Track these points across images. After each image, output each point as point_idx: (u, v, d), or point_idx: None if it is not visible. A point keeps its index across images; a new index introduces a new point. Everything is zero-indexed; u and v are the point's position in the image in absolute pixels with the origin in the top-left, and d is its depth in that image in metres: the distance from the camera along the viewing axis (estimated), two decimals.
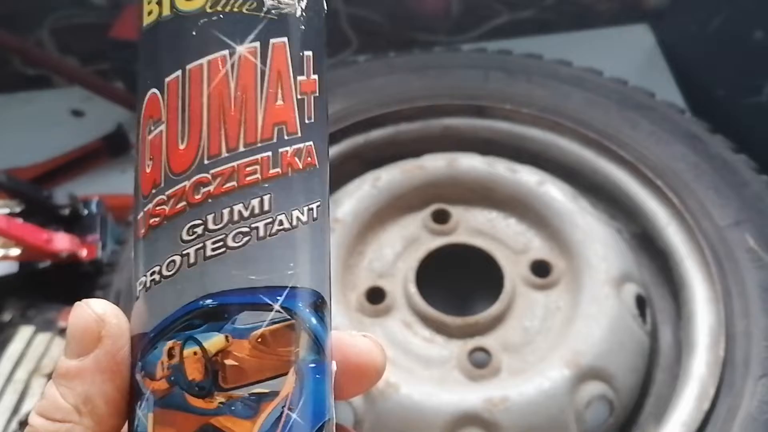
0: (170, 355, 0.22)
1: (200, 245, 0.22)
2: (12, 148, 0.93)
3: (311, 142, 0.24)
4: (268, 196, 0.23)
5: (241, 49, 0.23)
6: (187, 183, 0.23)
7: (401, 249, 0.76)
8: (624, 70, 0.87)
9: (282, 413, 0.22)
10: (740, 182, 0.75)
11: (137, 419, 0.23)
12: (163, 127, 0.23)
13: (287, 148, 0.23)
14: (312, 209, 0.24)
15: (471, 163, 0.79)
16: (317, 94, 0.24)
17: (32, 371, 0.65)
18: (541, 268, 0.73)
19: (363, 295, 0.71)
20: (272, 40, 0.23)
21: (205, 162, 0.23)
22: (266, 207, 0.23)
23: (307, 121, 0.24)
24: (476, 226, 0.78)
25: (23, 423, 0.62)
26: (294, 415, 0.22)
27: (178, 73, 0.23)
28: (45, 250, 0.72)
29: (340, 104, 0.82)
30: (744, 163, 0.77)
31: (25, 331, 0.69)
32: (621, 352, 0.67)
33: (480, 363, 0.67)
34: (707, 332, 0.68)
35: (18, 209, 0.76)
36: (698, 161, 0.77)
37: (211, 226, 0.22)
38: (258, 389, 0.22)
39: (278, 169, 0.23)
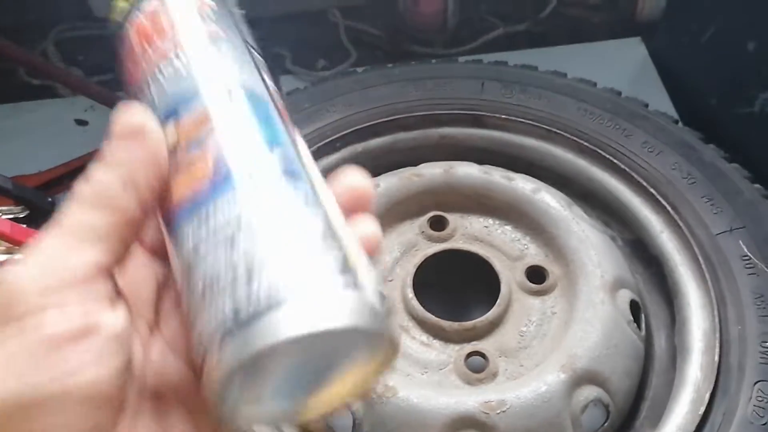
0: None
1: None
2: (17, 156, 0.94)
3: None
4: None
5: None
6: None
7: (399, 255, 0.77)
8: (617, 82, 0.88)
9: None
10: (734, 190, 0.76)
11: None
12: None
13: None
14: None
15: (467, 171, 0.80)
16: None
17: None
18: (536, 274, 0.74)
19: None
20: None
21: None
22: None
23: None
24: (473, 233, 0.79)
25: None
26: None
27: None
28: None
29: (339, 113, 0.83)
30: (737, 171, 0.78)
31: None
32: (616, 356, 0.67)
33: (477, 367, 0.68)
34: (702, 338, 0.69)
35: (22, 215, 0.77)
36: (692, 170, 0.78)
37: None
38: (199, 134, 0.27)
39: None
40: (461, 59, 1.01)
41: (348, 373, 0.24)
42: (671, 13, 1.07)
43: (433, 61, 0.95)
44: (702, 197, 0.76)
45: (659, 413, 0.67)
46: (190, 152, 0.26)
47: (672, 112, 0.94)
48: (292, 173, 0.25)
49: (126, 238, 0.26)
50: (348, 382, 0.24)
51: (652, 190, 0.77)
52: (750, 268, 0.71)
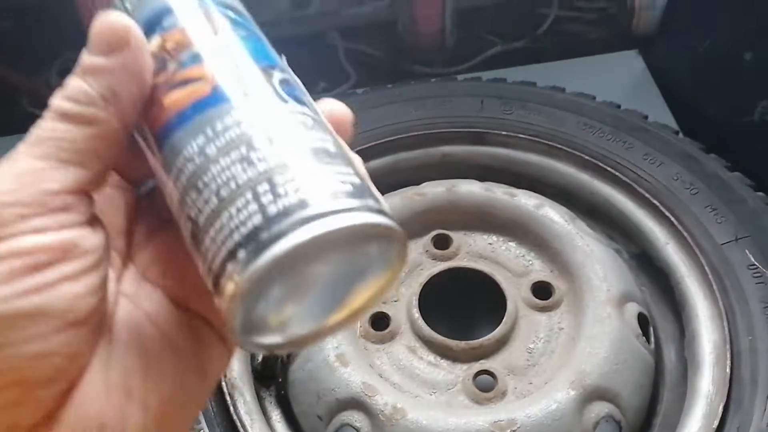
0: None
1: None
2: None
3: None
4: None
5: None
6: None
7: (404, 274, 0.76)
8: (615, 95, 0.89)
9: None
10: (737, 199, 0.76)
11: (137, 130, 0.27)
12: None
13: None
14: None
15: (470, 188, 0.80)
16: None
17: None
18: (542, 290, 0.74)
19: (367, 322, 0.72)
20: None
21: None
22: None
23: None
24: (477, 251, 0.79)
25: None
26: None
27: None
28: None
29: None
30: (739, 180, 0.78)
31: None
32: (626, 371, 0.67)
33: (485, 386, 0.67)
34: (712, 350, 0.68)
35: None
36: (694, 180, 0.78)
37: None
38: (193, 50, 0.26)
39: None
40: (460, 77, 1.01)
41: (363, 284, 0.25)
42: (667, 26, 1.07)
43: (433, 80, 0.96)
44: (705, 207, 0.76)
45: (672, 428, 0.67)
46: (183, 66, 0.25)
47: (672, 123, 0.94)
48: (294, 94, 0.26)
49: (106, 157, 0.25)
50: (362, 295, 0.25)
51: (655, 202, 0.77)
52: (758, 277, 0.70)
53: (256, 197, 0.22)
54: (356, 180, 0.24)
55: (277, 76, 0.26)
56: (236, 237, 0.22)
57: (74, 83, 0.24)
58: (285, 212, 0.22)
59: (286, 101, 0.25)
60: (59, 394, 0.23)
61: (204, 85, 0.25)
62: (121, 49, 0.24)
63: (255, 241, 0.22)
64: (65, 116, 0.24)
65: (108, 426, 0.24)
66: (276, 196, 0.22)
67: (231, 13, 0.28)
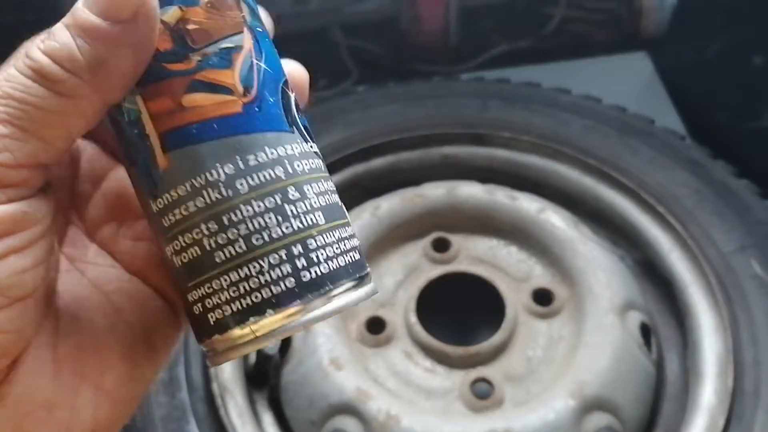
0: None
1: None
2: None
3: None
4: None
5: None
6: None
7: (402, 278, 0.75)
8: (623, 97, 0.87)
9: (252, 63, 0.24)
10: (744, 207, 0.74)
11: (125, 112, 0.23)
12: None
13: None
14: None
15: (471, 191, 0.79)
16: None
17: None
18: (543, 297, 0.73)
19: (363, 325, 0.71)
20: None
21: None
22: None
23: None
24: (477, 255, 0.77)
25: None
26: (263, 65, 0.24)
27: None
28: None
29: (340, 133, 0.82)
30: (747, 188, 0.76)
31: None
32: (627, 381, 0.65)
33: (482, 394, 0.66)
34: (715, 361, 0.67)
35: None
36: (700, 187, 0.76)
37: None
38: (225, 44, 0.23)
39: None
40: (464, 76, 1.00)
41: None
42: (676, 29, 1.06)
43: (435, 79, 0.94)
44: (712, 214, 0.74)
45: None
46: (210, 64, 0.23)
47: (679, 127, 0.93)
48: (305, 124, 0.26)
49: (75, 135, 0.22)
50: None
51: (660, 208, 0.75)
52: (763, 287, 0.69)
53: (290, 258, 0.23)
54: (357, 242, 0.26)
55: (292, 97, 0.25)
56: (264, 294, 0.23)
57: (64, 38, 0.21)
58: (316, 284, 0.23)
59: (307, 141, 0.25)
60: (1, 372, 0.22)
61: (235, 100, 0.23)
62: (129, 19, 0.21)
63: (283, 306, 0.23)
64: (44, 77, 0.21)
65: (57, 405, 0.23)
66: (309, 262, 0.23)
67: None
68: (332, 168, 0.81)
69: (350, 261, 0.24)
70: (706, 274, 0.71)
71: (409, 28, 1.14)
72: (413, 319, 0.70)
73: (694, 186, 0.76)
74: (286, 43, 0.29)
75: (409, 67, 1.13)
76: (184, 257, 0.23)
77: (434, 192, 0.79)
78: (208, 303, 0.23)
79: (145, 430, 0.62)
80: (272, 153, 0.23)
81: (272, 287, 0.23)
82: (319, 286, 0.23)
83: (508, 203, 0.77)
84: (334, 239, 0.24)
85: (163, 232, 0.24)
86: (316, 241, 0.23)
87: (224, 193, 0.23)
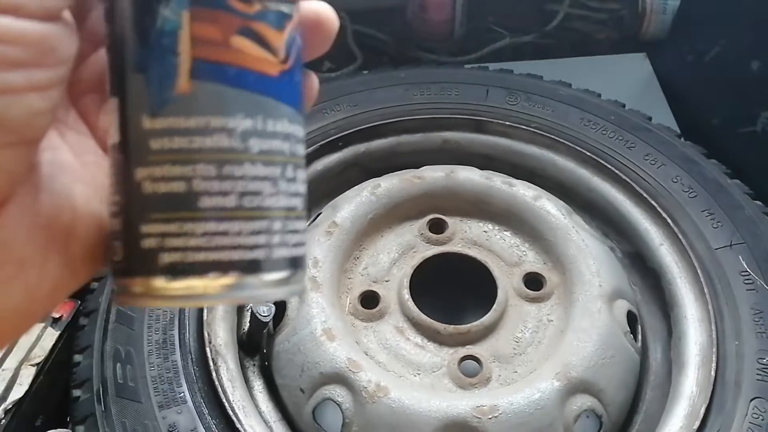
0: None
1: None
2: None
3: None
4: None
5: None
6: None
7: (397, 256, 0.76)
8: (620, 96, 0.89)
9: (295, 35, 0.24)
10: (735, 206, 0.76)
11: (159, 18, 0.22)
12: None
13: None
14: None
15: (469, 175, 0.80)
16: None
17: (22, 360, 0.65)
18: (534, 281, 0.74)
19: (357, 299, 0.72)
20: None
21: None
22: None
23: None
24: (471, 237, 0.78)
25: (8, 411, 0.62)
26: (299, 41, 0.25)
27: None
28: None
29: (344, 113, 0.83)
30: (738, 187, 0.78)
31: None
32: (611, 367, 0.67)
33: (470, 372, 0.67)
34: (698, 352, 0.68)
35: None
36: (693, 184, 0.78)
37: None
38: (282, 7, 0.24)
39: None
40: (467, 67, 1.01)
41: None
42: (677, 32, 1.07)
43: (440, 66, 0.95)
44: (702, 211, 0.76)
45: (652, 427, 0.67)
46: (264, 17, 0.23)
47: (674, 127, 0.94)
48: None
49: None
50: None
51: (652, 202, 0.77)
52: (749, 283, 0.70)
53: (269, 231, 0.23)
54: (305, 237, 0.26)
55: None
56: (235, 255, 0.22)
57: None
58: (280, 263, 0.23)
59: (305, 128, 0.25)
60: None
61: (275, 63, 0.23)
62: None
63: (244, 273, 0.23)
64: None
65: (28, 264, 0.22)
66: (282, 242, 0.23)
67: None
68: (333, 146, 0.82)
69: (304, 253, 0.25)
70: (694, 268, 0.72)
71: (415, 17, 1.15)
72: (406, 295, 0.71)
73: (687, 182, 0.78)
74: None
75: (412, 55, 1.14)
76: (163, 187, 0.22)
77: (433, 175, 0.80)
78: (169, 243, 0.22)
79: (137, 389, 0.62)
80: (287, 127, 0.23)
81: (244, 252, 0.22)
82: (281, 267, 0.23)
83: (504, 189, 0.78)
84: (302, 227, 0.24)
85: (146, 153, 0.22)
86: (293, 223, 0.24)
87: (236, 144, 0.22)
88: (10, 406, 0.62)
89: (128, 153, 0.22)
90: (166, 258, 0.22)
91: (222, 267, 0.22)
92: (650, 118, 0.86)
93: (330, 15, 0.26)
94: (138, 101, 0.22)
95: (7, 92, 0.19)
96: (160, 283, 0.22)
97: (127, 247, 0.23)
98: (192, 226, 0.22)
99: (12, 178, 0.21)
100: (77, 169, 0.24)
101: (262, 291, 0.23)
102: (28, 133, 0.20)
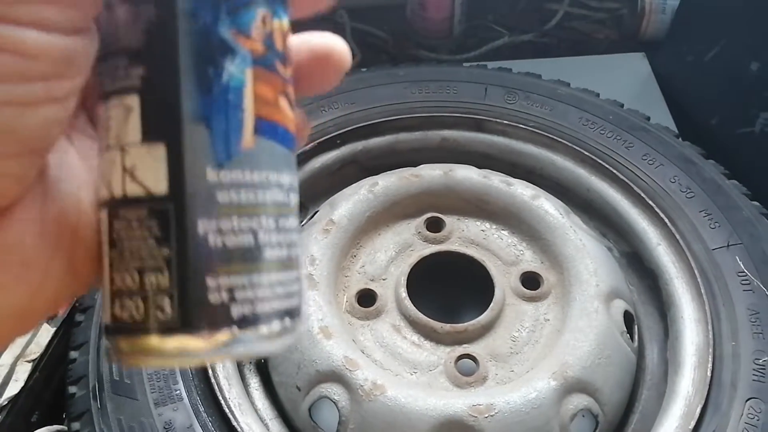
0: (264, 22, 0.23)
1: None
2: None
3: None
4: None
5: None
6: None
7: (394, 254, 0.76)
8: (618, 96, 0.89)
9: None
10: (732, 206, 0.76)
11: (226, 75, 0.22)
12: None
13: None
14: None
15: (467, 174, 0.80)
16: None
17: (17, 356, 0.65)
18: (531, 280, 0.74)
19: (354, 297, 0.71)
20: None
21: None
22: None
23: None
24: (469, 236, 0.78)
25: (3, 407, 0.62)
26: None
27: None
28: None
29: (342, 110, 0.83)
30: (736, 188, 0.78)
31: None
32: (608, 366, 0.67)
33: (467, 370, 0.67)
34: (694, 352, 0.68)
35: None
36: (691, 184, 0.78)
37: None
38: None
39: None
40: (466, 65, 1.01)
41: None
42: (676, 32, 1.07)
43: (439, 64, 0.95)
44: (700, 212, 0.76)
45: (648, 426, 0.67)
46: (291, 82, 0.24)
47: (672, 128, 0.94)
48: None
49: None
50: None
51: (650, 202, 0.77)
52: (746, 284, 0.70)
53: (298, 281, 0.24)
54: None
55: None
56: (292, 303, 0.24)
57: None
58: (295, 311, 0.24)
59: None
60: None
61: (294, 122, 0.24)
62: None
63: (293, 317, 0.24)
64: None
65: (33, 266, 0.22)
66: (298, 291, 0.24)
67: None
68: (331, 144, 0.82)
69: (299, 303, 0.25)
70: (691, 269, 0.72)
71: (414, 15, 1.15)
72: (403, 294, 0.71)
73: (685, 183, 0.78)
74: (291, 23, 0.29)
75: (411, 53, 1.14)
76: (232, 240, 0.22)
77: (431, 173, 0.80)
78: (240, 294, 0.22)
79: (133, 386, 0.62)
80: (295, 180, 0.25)
81: (293, 299, 0.24)
82: (296, 314, 0.24)
83: (502, 188, 0.78)
84: (298, 276, 0.25)
85: (214, 206, 0.22)
86: (300, 273, 0.25)
87: (285, 198, 0.24)
88: (6, 402, 0.62)
89: (187, 204, 0.22)
90: (237, 310, 0.22)
91: (285, 313, 0.24)
92: (649, 118, 0.86)
93: (342, 49, 0.26)
94: (200, 153, 0.22)
95: (26, 105, 0.19)
96: (224, 336, 0.22)
97: (186, 299, 0.22)
98: (263, 278, 0.23)
99: (21, 184, 0.21)
100: (83, 173, 0.24)
101: (258, 345, 0.23)
102: (42, 143, 0.21)
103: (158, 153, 0.22)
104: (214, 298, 0.22)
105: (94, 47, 0.21)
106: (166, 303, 0.22)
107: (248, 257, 0.22)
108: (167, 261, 0.22)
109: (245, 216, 0.22)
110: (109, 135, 0.22)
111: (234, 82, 0.22)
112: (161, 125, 0.22)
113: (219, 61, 0.22)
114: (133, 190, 0.22)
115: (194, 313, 0.22)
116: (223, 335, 0.22)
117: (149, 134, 0.22)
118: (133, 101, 0.22)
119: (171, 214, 0.22)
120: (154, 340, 0.22)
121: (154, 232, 0.22)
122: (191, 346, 0.22)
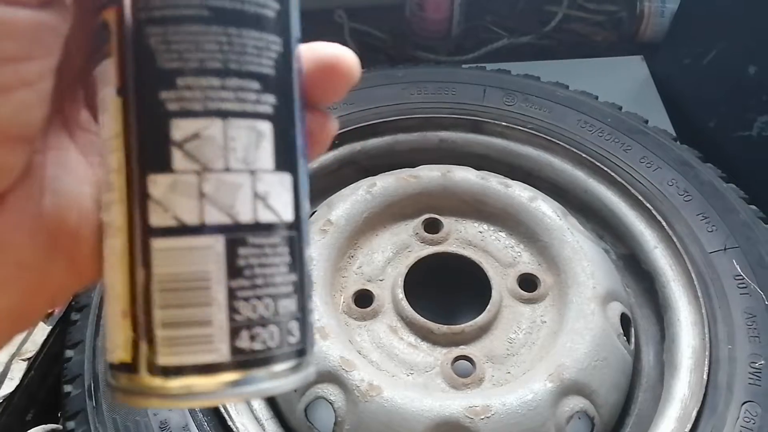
0: None
1: None
2: None
3: None
4: None
5: None
6: None
7: (391, 255, 0.76)
8: (616, 99, 0.89)
9: None
10: (729, 209, 0.76)
11: None
12: None
13: None
14: None
15: (465, 175, 0.80)
16: None
17: (13, 355, 0.65)
18: (528, 282, 0.74)
19: (351, 298, 0.71)
20: None
21: None
22: None
23: None
24: (466, 238, 0.78)
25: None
26: None
27: None
28: None
29: (340, 111, 0.83)
30: (734, 191, 0.78)
31: None
32: (604, 368, 0.67)
33: (463, 372, 0.67)
34: (691, 355, 0.68)
35: None
36: (688, 187, 0.78)
37: None
38: None
39: None
40: (464, 66, 1.01)
41: None
42: (674, 35, 1.07)
43: (437, 65, 0.95)
44: (697, 215, 0.76)
45: (644, 429, 0.67)
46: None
47: (670, 131, 0.95)
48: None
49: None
50: None
51: (648, 205, 0.77)
52: (743, 287, 0.71)
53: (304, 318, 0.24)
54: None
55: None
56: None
57: None
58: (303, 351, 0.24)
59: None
60: None
61: None
62: None
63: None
64: None
65: (29, 267, 0.21)
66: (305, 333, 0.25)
67: None
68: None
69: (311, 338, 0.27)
70: (688, 272, 0.72)
71: (413, 16, 1.15)
72: (400, 295, 0.71)
73: (683, 186, 0.78)
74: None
75: (409, 54, 1.13)
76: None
77: (429, 174, 0.80)
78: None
79: None
80: None
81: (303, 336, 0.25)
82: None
83: (500, 190, 0.78)
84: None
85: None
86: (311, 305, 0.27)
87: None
88: (1, 401, 0.62)
89: (303, 232, 0.24)
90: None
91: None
92: (647, 121, 0.86)
93: (350, 61, 0.24)
94: (306, 186, 0.25)
95: None
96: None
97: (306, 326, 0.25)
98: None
99: (7, 175, 0.20)
100: (85, 170, 0.23)
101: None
102: (20, 130, 0.20)
103: (287, 182, 0.23)
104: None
105: (66, 23, 0.20)
106: (295, 327, 0.24)
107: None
108: (295, 286, 0.23)
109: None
110: (230, 156, 0.21)
111: None
112: (289, 156, 0.23)
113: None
114: (266, 216, 0.22)
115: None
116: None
117: (281, 163, 0.22)
118: (266, 128, 0.22)
119: (295, 242, 0.23)
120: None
121: (285, 259, 0.22)
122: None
